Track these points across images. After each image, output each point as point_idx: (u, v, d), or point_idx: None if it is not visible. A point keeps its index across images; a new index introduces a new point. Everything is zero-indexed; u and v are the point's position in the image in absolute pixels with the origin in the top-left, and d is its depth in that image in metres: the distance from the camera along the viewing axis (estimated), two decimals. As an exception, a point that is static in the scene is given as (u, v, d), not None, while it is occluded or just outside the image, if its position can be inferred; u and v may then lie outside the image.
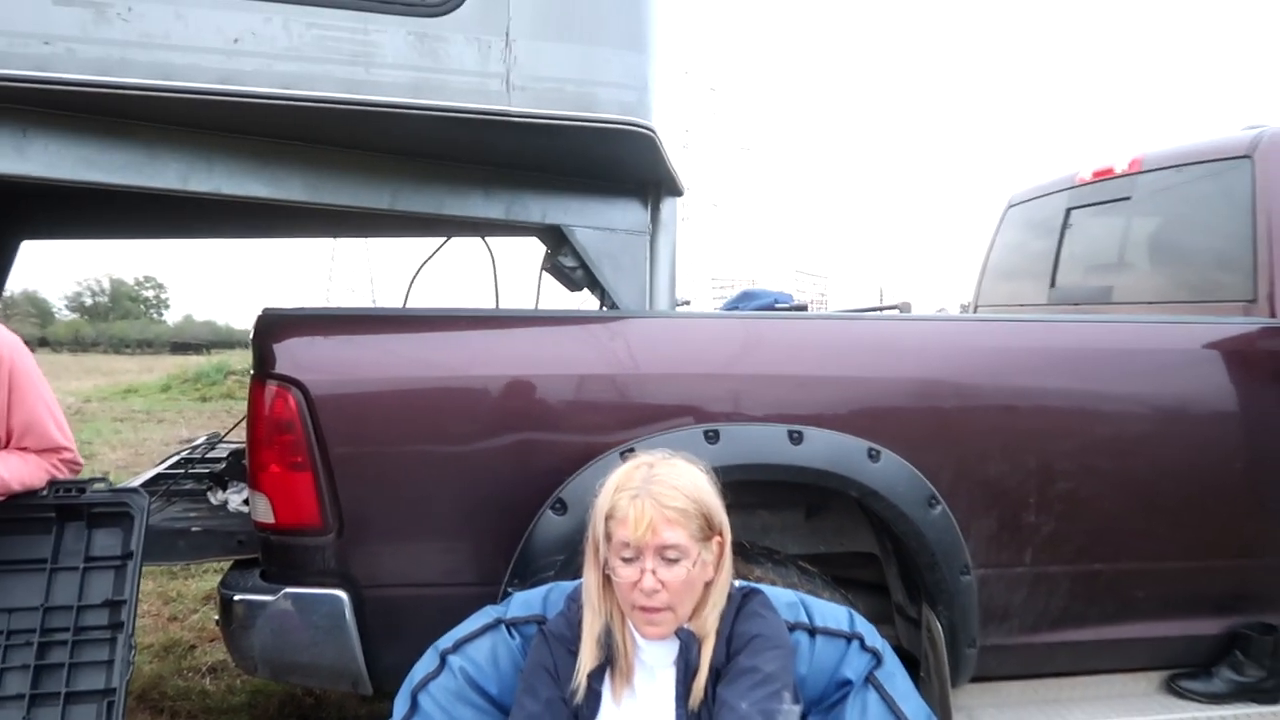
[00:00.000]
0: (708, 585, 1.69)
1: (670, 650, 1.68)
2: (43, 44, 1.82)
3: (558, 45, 2.13)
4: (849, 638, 1.79)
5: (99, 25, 1.83)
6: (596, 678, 1.68)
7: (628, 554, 1.63)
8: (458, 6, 2.04)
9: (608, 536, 1.66)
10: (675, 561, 1.62)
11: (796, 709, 1.60)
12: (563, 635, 1.74)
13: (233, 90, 1.92)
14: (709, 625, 1.67)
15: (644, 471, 1.69)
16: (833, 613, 1.83)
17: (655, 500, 1.62)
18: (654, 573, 1.61)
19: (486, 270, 3.36)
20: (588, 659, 1.68)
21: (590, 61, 2.16)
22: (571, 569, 2.12)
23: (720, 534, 1.69)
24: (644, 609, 1.63)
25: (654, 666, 1.69)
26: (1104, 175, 3.60)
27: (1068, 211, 3.82)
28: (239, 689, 3.64)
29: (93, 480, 1.76)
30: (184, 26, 1.87)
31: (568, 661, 1.70)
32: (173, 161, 2.17)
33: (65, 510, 1.72)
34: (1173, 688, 2.71)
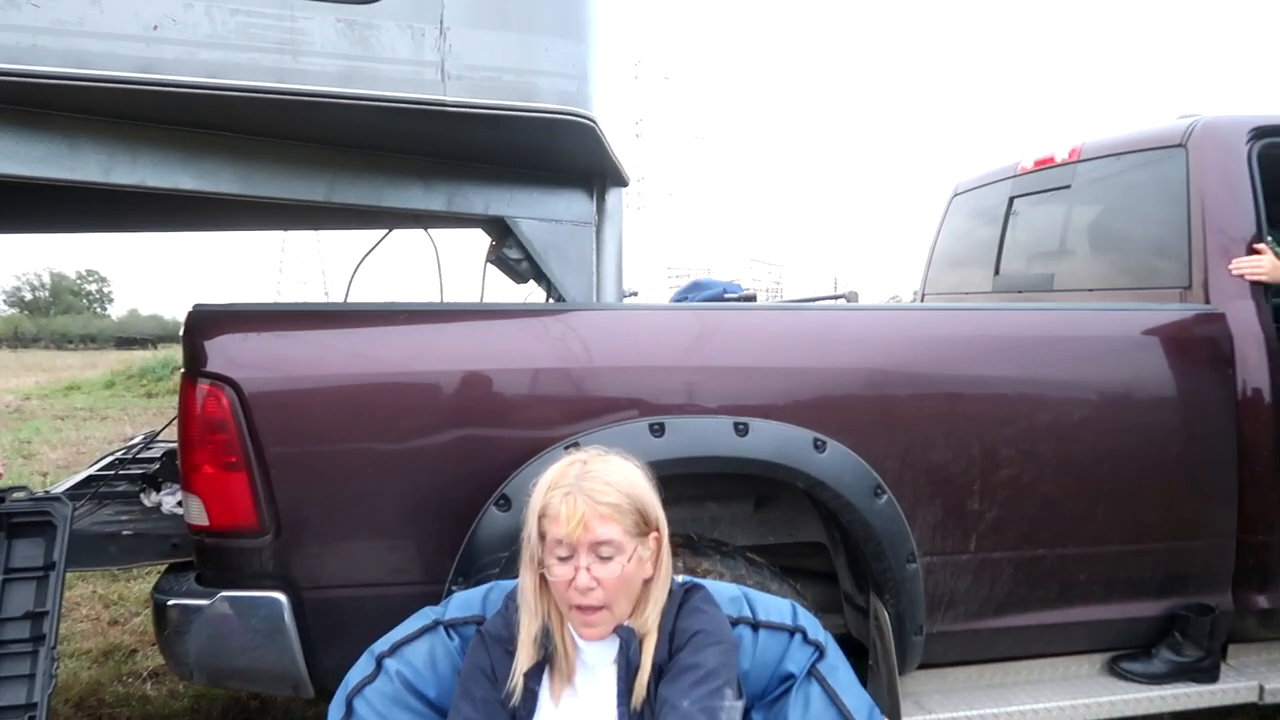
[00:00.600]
0: (647, 582, 1.67)
1: (611, 648, 1.66)
2: (-52, 31, 1.74)
3: (494, 34, 2.09)
4: (792, 631, 1.78)
5: (7, 11, 1.74)
6: (534, 678, 1.66)
7: (562, 552, 1.62)
8: (389, -8, 1.98)
9: (541, 535, 1.64)
10: (609, 559, 1.60)
11: (739, 705, 1.59)
12: (500, 636, 1.71)
13: (154, 79, 1.84)
14: (650, 623, 1.65)
15: (577, 469, 1.67)
16: (776, 606, 1.83)
17: (588, 496, 1.60)
18: (588, 570, 1.59)
19: (431, 264, 3.30)
20: (524, 659, 1.66)
21: (528, 50, 2.12)
22: (516, 566, 2.09)
23: (657, 529, 1.67)
24: (580, 609, 1.62)
25: (595, 665, 1.67)
26: (1045, 164, 3.64)
27: (1011, 200, 3.85)
28: (181, 694, 3.56)
29: (12, 489, 1.68)
30: (99, 13, 1.79)
31: (505, 663, 1.67)
32: (94, 153, 2.09)
33: (-16, 521, 1.65)
34: (1114, 669, 2.75)
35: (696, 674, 1.57)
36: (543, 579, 1.66)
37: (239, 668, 2.24)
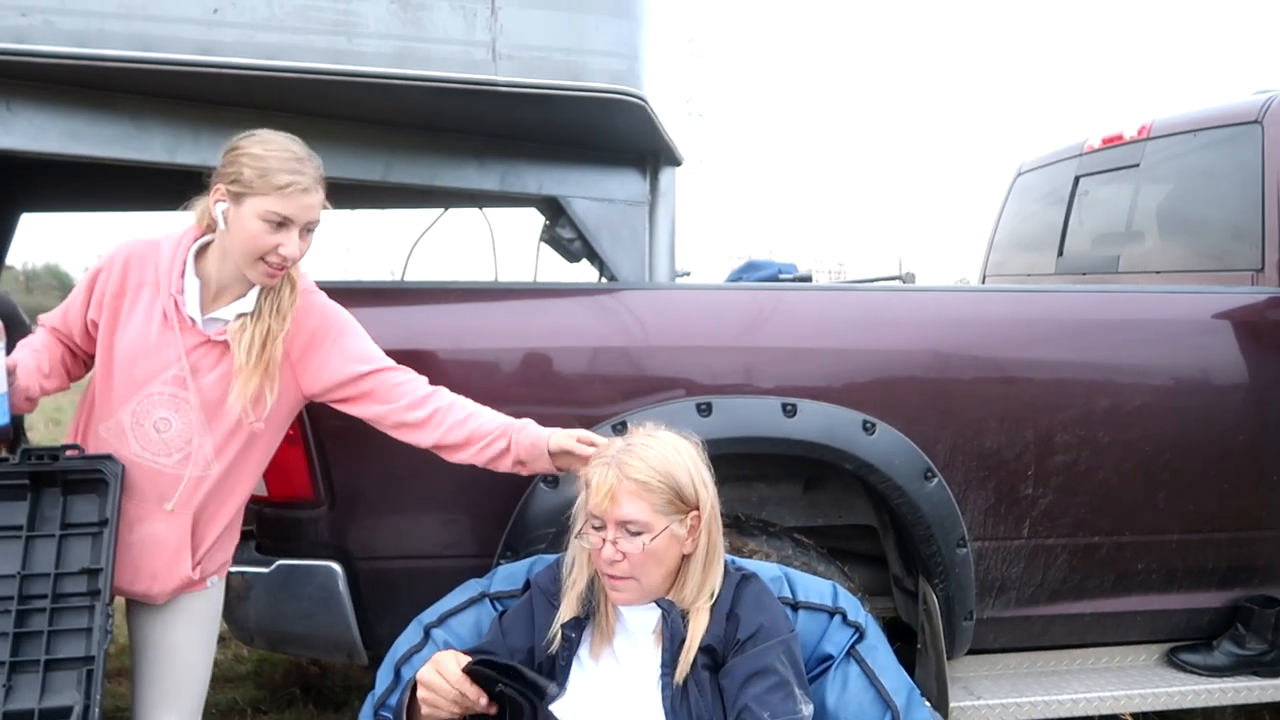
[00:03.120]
0: (686, 558, 1.68)
1: (652, 617, 1.69)
2: (20, 15, 1.81)
3: (545, 13, 2.10)
4: (831, 613, 1.78)
5: (76, -5, 1.81)
6: (573, 627, 1.69)
7: (595, 522, 1.65)
8: (441, -26, 2.01)
9: (585, 502, 1.68)
10: (636, 535, 1.62)
11: (811, 709, 1.60)
12: (547, 589, 1.76)
13: (213, 61, 1.90)
14: (691, 598, 1.66)
15: (620, 443, 1.70)
16: (816, 587, 1.82)
17: (620, 471, 1.63)
18: (614, 544, 1.62)
19: (485, 242, 3.34)
20: (566, 610, 1.70)
21: (578, 29, 2.13)
22: (562, 541, 2.12)
23: (696, 508, 1.67)
24: (608, 575, 1.65)
25: (636, 633, 1.69)
26: (1113, 142, 3.53)
27: (1076, 179, 3.75)
28: (246, 658, 3.69)
29: (64, 447, 1.76)
30: (163, -3, 1.85)
31: (547, 613, 1.71)
32: (160, 134, 2.16)
33: (39, 477, 1.72)
34: (1173, 660, 2.69)
35: (770, 680, 1.58)
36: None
37: (296, 633, 2.32)
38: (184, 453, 1.83)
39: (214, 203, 1.75)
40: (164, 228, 1.90)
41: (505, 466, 1.90)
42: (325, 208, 1.80)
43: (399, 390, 1.90)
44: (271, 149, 1.72)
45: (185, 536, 1.87)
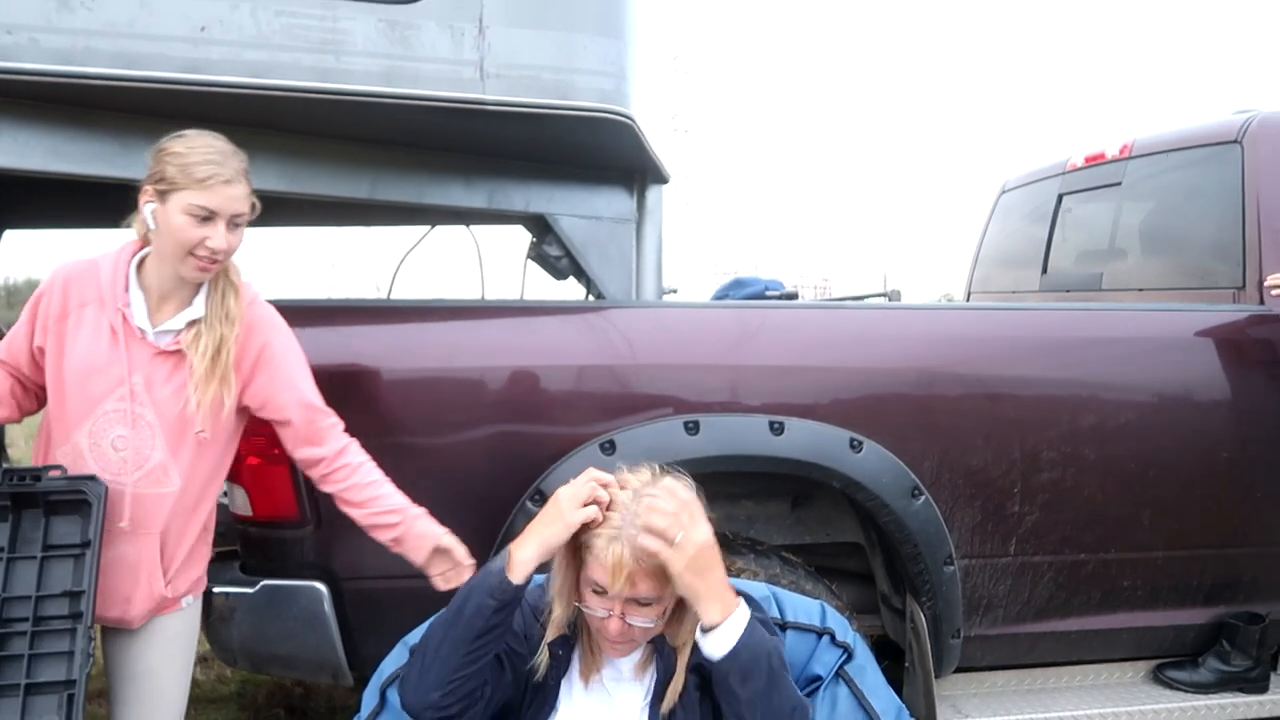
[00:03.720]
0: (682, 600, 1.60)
1: (638, 649, 1.66)
2: (5, 33, 1.80)
3: (532, 32, 2.11)
4: (820, 633, 1.77)
5: (62, 14, 1.81)
6: (561, 645, 1.64)
7: (598, 589, 1.55)
8: (429, -7, 2.01)
9: (581, 558, 1.57)
10: (647, 605, 1.54)
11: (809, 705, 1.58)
12: (538, 607, 1.69)
13: (200, 79, 1.89)
14: (684, 636, 1.61)
15: (627, 509, 1.54)
16: (804, 607, 1.82)
17: (633, 549, 1.50)
18: (622, 618, 1.54)
19: (471, 260, 3.33)
20: (552, 630, 1.63)
21: (566, 48, 2.14)
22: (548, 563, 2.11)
23: None
24: (612, 641, 1.58)
25: (621, 664, 1.67)
26: (1095, 160, 3.56)
27: (1060, 197, 3.78)
28: (229, 679, 3.64)
29: (47, 468, 1.73)
30: (149, 15, 1.84)
31: (532, 626, 1.66)
32: (143, 151, 2.13)
33: (20, 498, 1.70)
34: (1159, 677, 2.69)
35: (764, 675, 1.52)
36: (577, 577, 1.60)
37: (280, 654, 2.30)
38: (144, 470, 1.81)
39: (143, 204, 1.77)
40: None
41: (382, 538, 1.92)
42: (253, 204, 1.81)
43: (321, 435, 1.91)
44: (193, 145, 1.74)
45: (155, 556, 1.85)
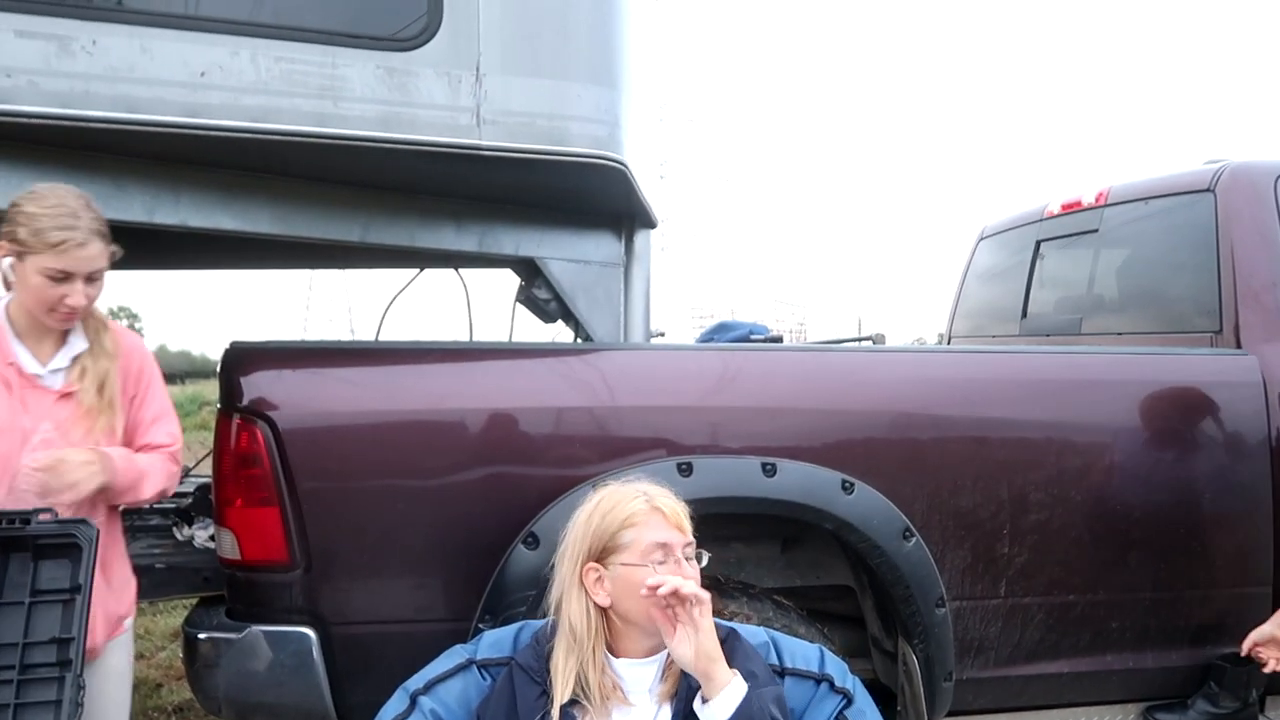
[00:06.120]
0: None
1: (648, 673, 1.67)
2: (4, 76, 1.81)
3: (528, 80, 2.14)
4: (819, 679, 1.76)
5: (62, 58, 1.82)
6: (572, 705, 1.65)
7: (659, 555, 1.66)
8: (427, 41, 2.05)
9: (621, 548, 1.67)
10: (691, 559, 1.69)
11: None
12: (530, 666, 1.70)
13: (199, 124, 1.91)
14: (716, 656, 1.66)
15: (634, 487, 1.74)
16: (803, 652, 1.81)
17: (669, 500, 1.70)
18: (684, 567, 1.66)
19: (461, 303, 3.34)
20: (562, 693, 1.64)
21: (561, 96, 2.17)
22: (543, 604, 2.09)
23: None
24: (686, 615, 1.61)
25: (632, 690, 1.67)
26: (1072, 208, 3.64)
27: (1038, 244, 3.85)
28: (207, 729, 3.56)
29: (36, 511, 1.71)
30: (149, 60, 1.86)
31: (529, 692, 1.66)
32: (139, 194, 2.15)
33: (9, 542, 1.67)
34: (1149, 720, 2.70)
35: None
36: (593, 605, 1.67)
37: (267, 702, 2.25)
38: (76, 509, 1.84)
39: (1, 258, 1.80)
40: (142, 285, 1.92)
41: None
42: (111, 254, 1.84)
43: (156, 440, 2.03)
44: (45, 206, 1.76)
45: (104, 583, 1.91)
